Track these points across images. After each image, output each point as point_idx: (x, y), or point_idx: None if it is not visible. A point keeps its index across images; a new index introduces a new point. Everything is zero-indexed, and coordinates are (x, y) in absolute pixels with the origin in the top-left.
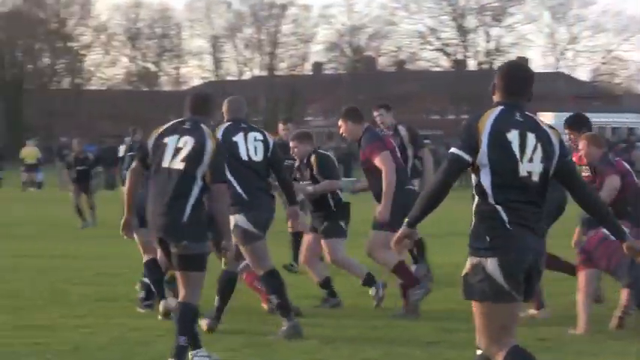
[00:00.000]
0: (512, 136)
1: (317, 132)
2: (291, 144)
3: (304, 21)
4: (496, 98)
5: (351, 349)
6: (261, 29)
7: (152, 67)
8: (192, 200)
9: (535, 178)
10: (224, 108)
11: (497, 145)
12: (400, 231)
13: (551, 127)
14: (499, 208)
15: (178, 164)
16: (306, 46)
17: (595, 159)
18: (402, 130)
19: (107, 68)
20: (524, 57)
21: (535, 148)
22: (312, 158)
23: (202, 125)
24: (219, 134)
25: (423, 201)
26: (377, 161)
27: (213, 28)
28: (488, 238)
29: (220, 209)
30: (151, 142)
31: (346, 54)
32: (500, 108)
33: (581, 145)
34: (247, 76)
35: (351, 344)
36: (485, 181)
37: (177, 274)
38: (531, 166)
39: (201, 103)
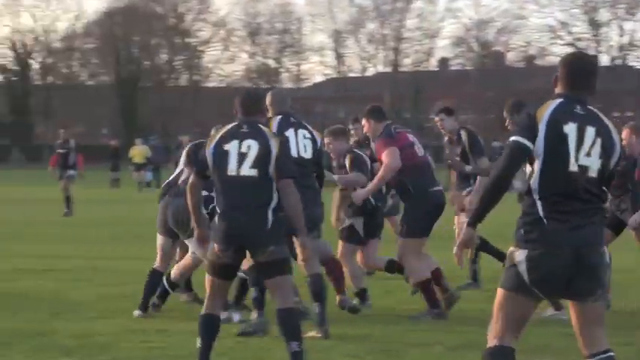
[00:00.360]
0: (570, 128)
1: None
2: (325, 140)
3: (429, 15)
4: (558, 90)
5: None
6: (385, 24)
7: (272, 64)
8: (272, 205)
9: (592, 173)
10: (268, 101)
11: (554, 136)
12: (463, 236)
13: (612, 125)
14: (539, 202)
15: (248, 171)
16: (432, 41)
17: (636, 150)
18: (462, 135)
19: (226, 64)
20: None
21: (594, 143)
22: (347, 157)
23: (261, 126)
24: (273, 128)
25: (484, 197)
26: (383, 156)
27: (336, 22)
28: (522, 231)
29: (292, 204)
30: (209, 152)
31: (473, 49)
32: (560, 100)
33: (624, 134)
34: (370, 72)
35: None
36: (536, 172)
37: (268, 284)
38: (588, 160)
39: (253, 102)
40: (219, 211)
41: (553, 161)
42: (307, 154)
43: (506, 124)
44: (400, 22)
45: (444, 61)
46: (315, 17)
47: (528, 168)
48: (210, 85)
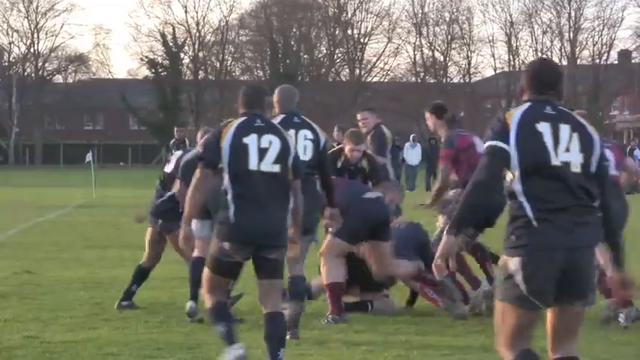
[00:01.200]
0: (543, 126)
1: (622, 128)
2: (350, 146)
3: (610, 3)
4: (524, 98)
5: None
6: (562, 13)
7: (440, 57)
8: (290, 203)
9: (575, 169)
10: (275, 98)
11: (526, 135)
12: (444, 245)
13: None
14: (526, 204)
15: (271, 167)
16: (612, 31)
17: None
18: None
19: (390, 58)
20: None
21: (571, 138)
22: (364, 161)
23: (274, 122)
24: None
25: (464, 204)
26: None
27: (509, 12)
28: (514, 237)
29: (299, 205)
30: (226, 145)
31: None
32: (528, 104)
33: None
34: None
35: None
36: (517, 173)
37: (264, 284)
38: (569, 156)
39: (258, 97)
40: (233, 206)
41: (533, 159)
42: (306, 156)
43: None
44: (578, 10)
45: (625, 54)
46: (487, 7)
47: (509, 175)
48: (373, 79)
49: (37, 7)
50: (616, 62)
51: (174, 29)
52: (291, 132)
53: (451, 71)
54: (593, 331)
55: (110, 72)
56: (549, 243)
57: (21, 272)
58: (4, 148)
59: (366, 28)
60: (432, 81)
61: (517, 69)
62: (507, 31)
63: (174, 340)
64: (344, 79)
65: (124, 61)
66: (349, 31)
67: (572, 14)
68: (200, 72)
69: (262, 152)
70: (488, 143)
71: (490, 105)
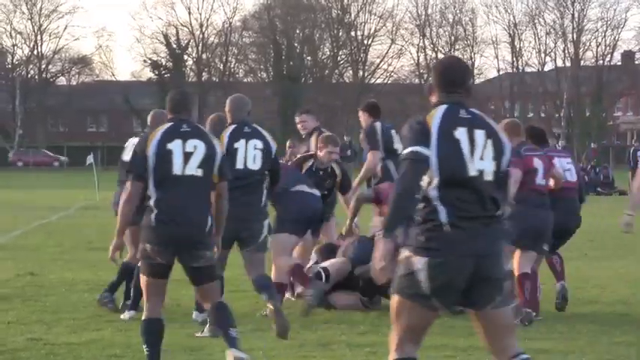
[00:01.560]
0: (460, 133)
1: (625, 129)
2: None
3: (614, 4)
4: (435, 99)
5: None
6: (565, 14)
7: None
8: (211, 207)
9: (488, 177)
10: (227, 107)
11: (447, 142)
12: (384, 249)
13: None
14: (440, 208)
15: (194, 170)
16: (615, 32)
17: None
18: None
19: (393, 59)
20: None
21: (486, 145)
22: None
23: (200, 126)
24: (225, 137)
25: (392, 210)
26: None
27: (512, 13)
28: (422, 238)
29: (224, 207)
30: (151, 152)
31: None
32: (445, 106)
33: None
34: (549, 67)
35: None
36: (435, 179)
37: (199, 290)
38: (483, 164)
39: (185, 101)
40: (156, 210)
41: (452, 170)
42: (256, 164)
43: None
44: (581, 12)
45: (628, 55)
46: (490, 8)
47: (426, 179)
48: (377, 81)
49: (40, 9)
50: (619, 63)
51: (177, 31)
52: (242, 141)
53: None
54: (596, 332)
55: (113, 74)
56: (460, 249)
57: (24, 274)
58: (7, 150)
59: (370, 29)
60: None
61: (520, 70)
62: (511, 33)
63: (178, 341)
64: (347, 81)
65: (127, 63)
66: (353, 33)
67: (576, 15)
68: (203, 74)
69: (187, 157)
70: (410, 148)
71: (493, 106)
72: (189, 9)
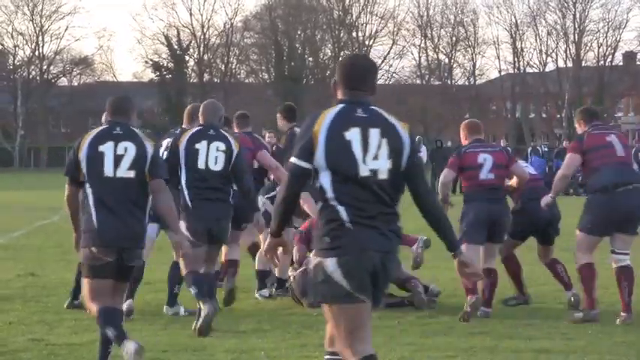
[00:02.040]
0: (352, 134)
1: (627, 130)
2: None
3: (615, 5)
4: (338, 96)
5: None
6: (567, 15)
7: (445, 59)
8: (147, 208)
9: (382, 175)
10: (200, 110)
11: (335, 147)
12: (268, 243)
13: (399, 120)
14: (340, 208)
15: (126, 172)
16: (617, 33)
17: None
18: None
19: (395, 60)
20: None
21: (380, 145)
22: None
23: (134, 128)
24: (185, 138)
25: (276, 213)
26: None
27: (513, 14)
28: (328, 239)
29: (166, 202)
30: (83, 155)
31: None
32: (340, 106)
33: None
34: (550, 67)
35: None
36: (325, 182)
37: (117, 285)
38: (377, 164)
39: (123, 105)
40: (94, 212)
41: (342, 171)
42: (217, 166)
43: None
44: (583, 12)
45: (630, 56)
46: (492, 8)
47: (314, 180)
48: (378, 82)
49: (41, 10)
50: (621, 64)
51: (178, 32)
52: (204, 143)
53: (456, 73)
54: (597, 332)
55: (115, 75)
56: (363, 244)
57: (25, 274)
58: (9, 151)
59: (371, 30)
60: (436, 83)
61: (522, 71)
62: (512, 33)
63: (179, 342)
64: None
65: (128, 63)
66: (354, 34)
67: (577, 16)
68: (205, 75)
69: (118, 159)
70: (292, 159)
71: (495, 107)
72: (190, 10)
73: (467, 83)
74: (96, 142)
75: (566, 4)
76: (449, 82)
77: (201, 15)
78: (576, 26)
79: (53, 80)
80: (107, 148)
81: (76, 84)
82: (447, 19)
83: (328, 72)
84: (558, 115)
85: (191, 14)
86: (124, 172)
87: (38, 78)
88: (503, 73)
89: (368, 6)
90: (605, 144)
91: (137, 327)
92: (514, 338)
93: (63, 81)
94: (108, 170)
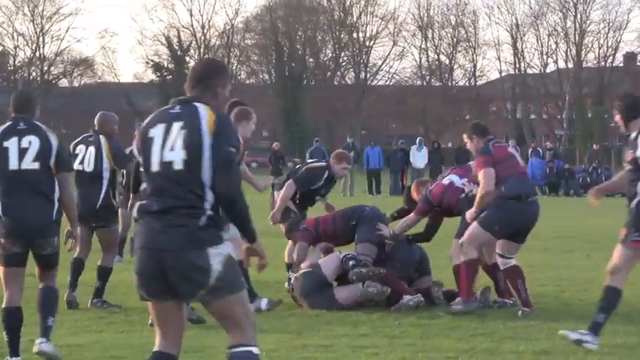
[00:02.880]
0: (156, 130)
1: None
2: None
3: (616, 6)
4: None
5: None
6: (567, 16)
7: (445, 60)
8: (55, 196)
9: (177, 166)
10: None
11: (141, 143)
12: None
13: (219, 115)
14: (137, 203)
15: (30, 164)
16: (618, 34)
17: None
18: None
19: (395, 61)
20: None
21: (177, 136)
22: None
23: (38, 123)
24: None
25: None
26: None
27: (514, 15)
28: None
29: (69, 195)
30: None
31: None
32: (163, 108)
33: None
34: (551, 68)
35: None
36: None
37: (44, 274)
38: (172, 155)
39: (27, 101)
40: (1, 206)
41: (144, 165)
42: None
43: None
44: (584, 13)
45: (630, 56)
46: (492, 9)
47: None
48: (379, 83)
49: (42, 11)
50: (622, 65)
51: (179, 33)
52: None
53: (457, 74)
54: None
55: (116, 75)
56: (149, 244)
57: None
58: None
59: (372, 31)
60: (437, 84)
61: (522, 72)
62: (513, 34)
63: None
64: (349, 83)
65: (129, 64)
66: (355, 35)
67: (578, 17)
68: None
69: (22, 152)
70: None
71: (495, 108)
72: (190, 11)
73: (467, 84)
74: (1, 138)
75: (566, 5)
76: (449, 83)
77: (202, 16)
78: (577, 27)
79: (54, 81)
80: (11, 144)
81: (76, 85)
82: (447, 20)
83: (329, 73)
84: (559, 116)
85: (191, 15)
86: (29, 164)
87: (39, 79)
88: (503, 74)
89: (368, 7)
90: (509, 155)
91: (137, 327)
92: (515, 339)
93: (63, 82)
94: (13, 164)
